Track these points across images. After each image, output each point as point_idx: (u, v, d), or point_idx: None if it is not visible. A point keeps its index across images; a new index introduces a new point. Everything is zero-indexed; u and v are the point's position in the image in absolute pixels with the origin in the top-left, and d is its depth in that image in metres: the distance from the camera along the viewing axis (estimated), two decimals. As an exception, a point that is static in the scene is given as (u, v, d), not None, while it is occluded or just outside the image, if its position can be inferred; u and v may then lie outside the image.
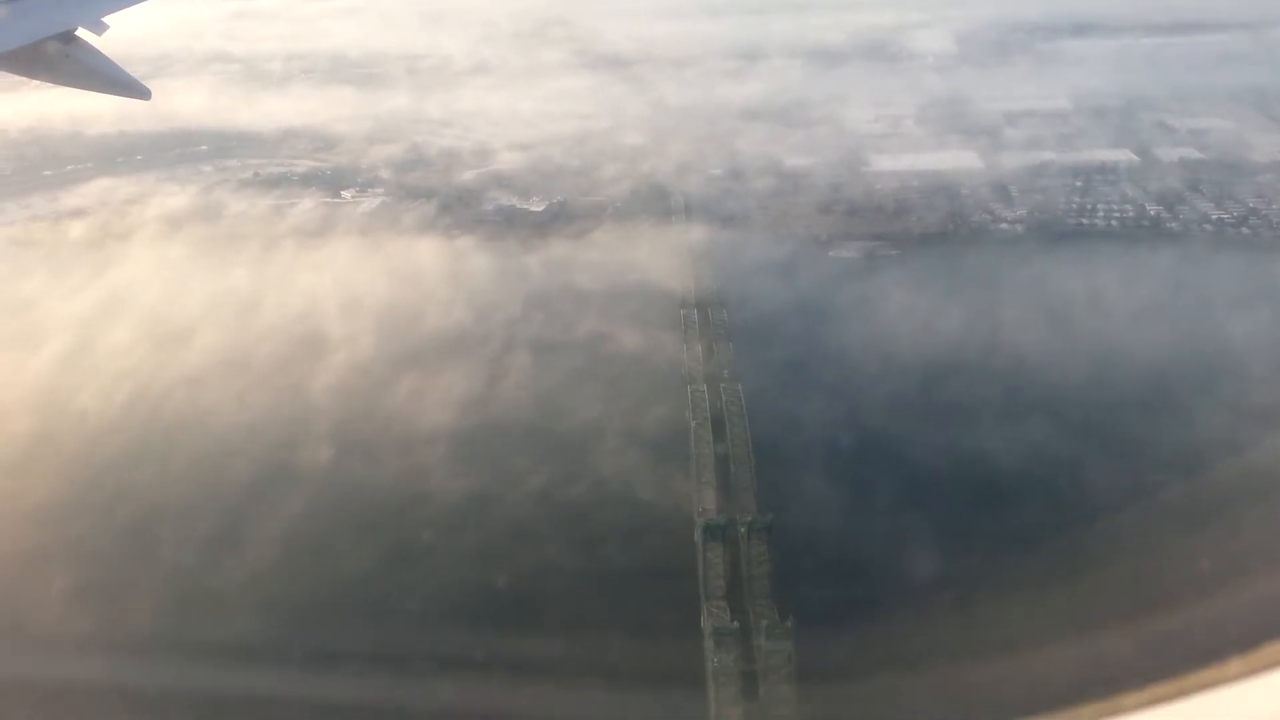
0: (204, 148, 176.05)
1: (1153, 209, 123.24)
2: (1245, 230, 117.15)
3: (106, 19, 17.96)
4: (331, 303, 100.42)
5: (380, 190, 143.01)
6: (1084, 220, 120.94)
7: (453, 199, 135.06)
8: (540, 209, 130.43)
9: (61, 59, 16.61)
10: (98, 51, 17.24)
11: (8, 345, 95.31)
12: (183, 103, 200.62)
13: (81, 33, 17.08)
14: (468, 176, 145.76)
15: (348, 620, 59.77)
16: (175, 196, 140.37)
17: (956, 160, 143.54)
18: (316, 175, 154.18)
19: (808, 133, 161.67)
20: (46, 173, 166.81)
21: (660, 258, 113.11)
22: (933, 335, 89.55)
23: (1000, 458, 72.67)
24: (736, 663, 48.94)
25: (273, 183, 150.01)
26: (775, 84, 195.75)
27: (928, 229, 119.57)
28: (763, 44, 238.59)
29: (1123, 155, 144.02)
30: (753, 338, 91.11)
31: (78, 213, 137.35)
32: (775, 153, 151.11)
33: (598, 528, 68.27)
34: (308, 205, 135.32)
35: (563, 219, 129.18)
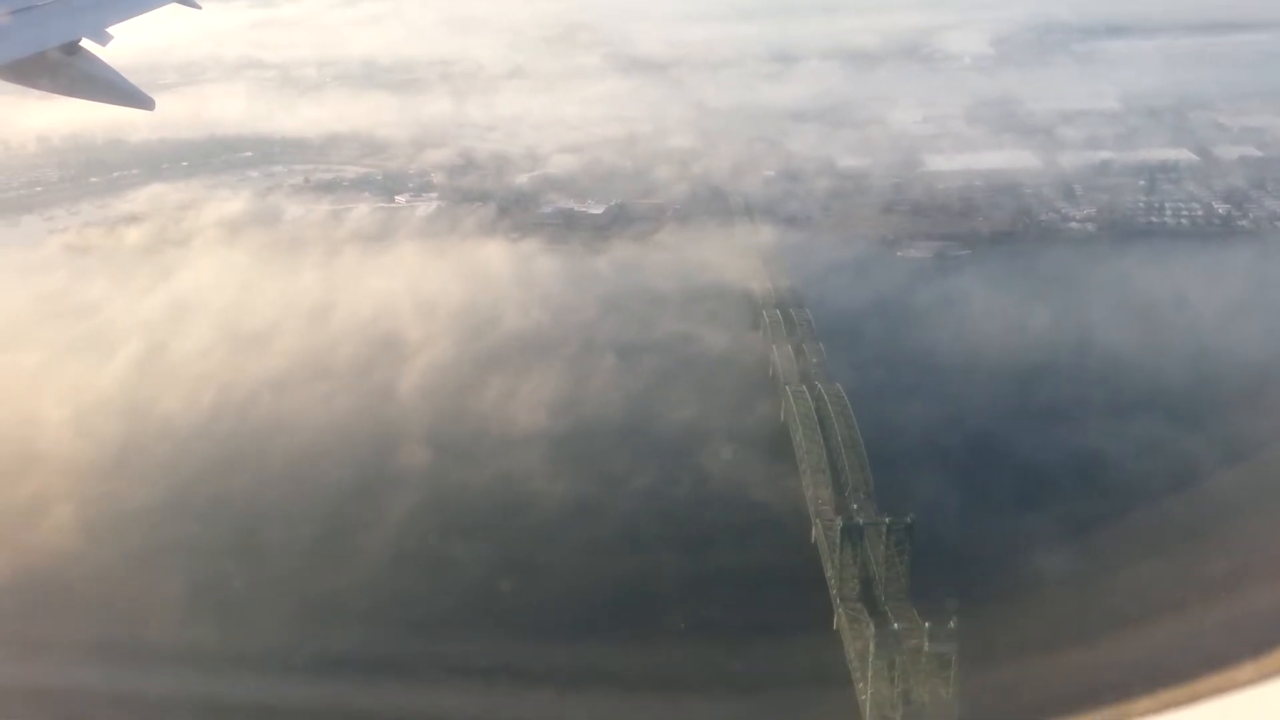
0: (249, 154, 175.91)
1: (1221, 207, 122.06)
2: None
3: (110, 30, 17.90)
4: (406, 306, 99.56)
5: (434, 195, 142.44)
6: (1154, 219, 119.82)
7: (510, 202, 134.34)
8: (599, 211, 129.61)
9: (65, 69, 16.36)
10: (101, 61, 17.10)
11: (84, 349, 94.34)
12: (221, 109, 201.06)
13: (86, 43, 16.90)
14: (521, 180, 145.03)
15: (473, 629, 58.22)
16: (229, 202, 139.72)
17: (1014, 160, 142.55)
18: (367, 180, 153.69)
19: (858, 134, 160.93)
20: (93, 179, 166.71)
21: (730, 259, 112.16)
22: (1024, 334, 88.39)
23: (1110, 455, 71.61)
24: (893, 665, 47.72)
25: (324, 188, 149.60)
26: (817, 86, 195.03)
27: (996, 228, 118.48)
28: (796, 47, 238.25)
29: (1181, 154, 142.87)
30: (838, 338, 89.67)
31: (132, 219, 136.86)
32: (828, 154, 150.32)
33: (707, 529, 67.16)
34: (364, 210, 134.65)
35: (623, 221, 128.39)
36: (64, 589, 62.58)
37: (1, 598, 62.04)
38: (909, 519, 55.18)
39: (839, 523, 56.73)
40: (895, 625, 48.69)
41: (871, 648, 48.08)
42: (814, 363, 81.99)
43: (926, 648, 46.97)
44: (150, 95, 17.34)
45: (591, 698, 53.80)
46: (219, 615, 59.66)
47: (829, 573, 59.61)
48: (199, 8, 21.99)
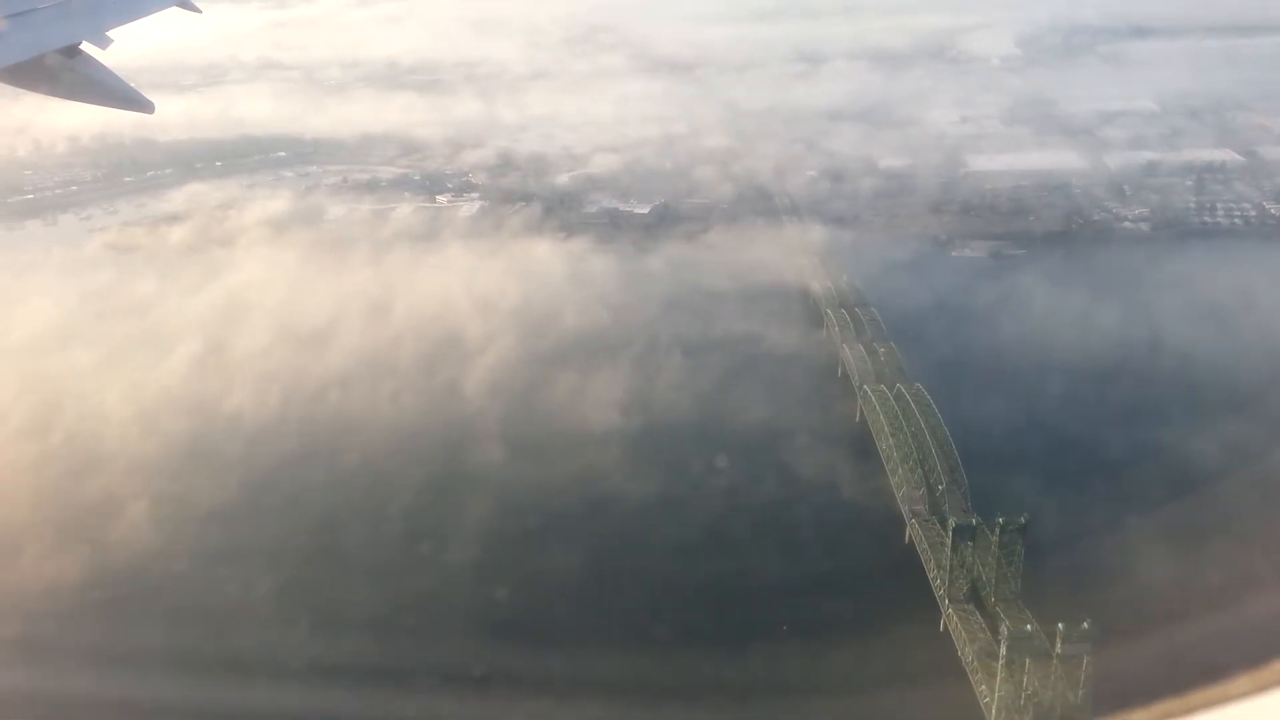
0: (282, 154, 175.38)
1: (1273, 207, 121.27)
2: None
3: (110, 33, 17.76)
4: (464, 304, 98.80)
5: (476, 194, 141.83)
6: (1206, 219, 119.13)
7: (554, 202, 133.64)
8: (645, 211, 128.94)
9: (65, 72, 16.14)
10: (101, 65, 16.92)
11: (142, 348, 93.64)
12: (248, 109, 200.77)
13: (86, 46, 16.77)
14: (562, 180, 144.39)
15: (573, 638, 56.84)
16: (271, 201, 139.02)
17: (1058, 160, 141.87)
18: (405, 181, 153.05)
19: (897, 134, 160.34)
20: (128, 179, 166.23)
21: (783, 258, 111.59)
22: (1094, 334, 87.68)
23: (1194, 454, 70.74)
24: (1025, 668, 46.86)
25: (363, 188, 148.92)
26: (848, 86, 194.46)
27: (1049, 228, 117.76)
28: (821, 48, 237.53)
29: (1226, 155, 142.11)
30: (904, 338, 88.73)
31: (174, 218, 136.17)
32: (868, 154, 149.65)
33: (797, 530, 66.22)
34: (407, 210, 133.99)
35: (669, 221, 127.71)
36: (151, 590, 61.84)
37: (89, 599, 61.24)
38: (1023, 519, 54.27)
39: (951, 522, 55.85)
40: (1029, 626, 47.71)
41: (1003, 649, 47.16)
42: (889, 362, 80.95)
43: (1059, 649, 46.09)
44: (150, 98, 17.32)
45: (704, 704, 52.89)
46: (306, 618, 58.61)
47: (931, 573, 58.76)
48: (199, 11, 21.91)
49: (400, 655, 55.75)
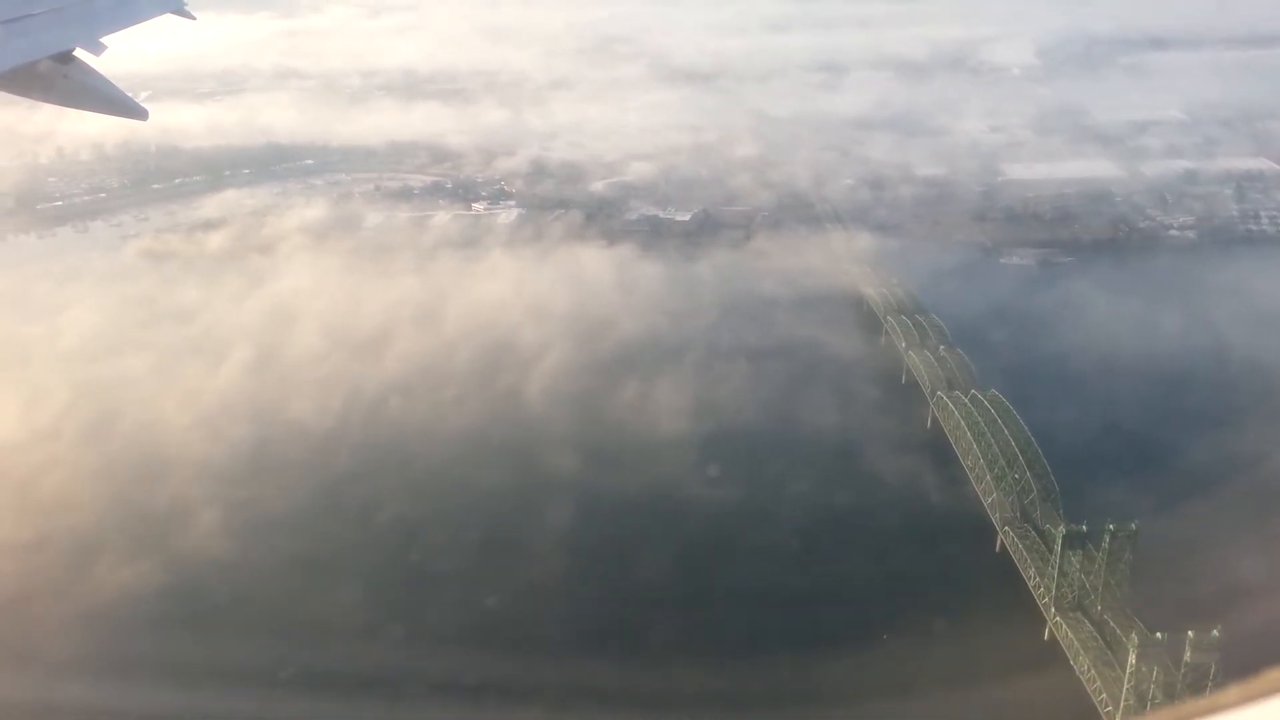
0: (309, 161, 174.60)
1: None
2: None
3: (105, 39, 17.49)
4: (518, 311, 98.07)
5: (512, 202, 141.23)
6: (1252, 226, 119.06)
7: (594, 209, 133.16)
8: (686, 218, 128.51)
9: (58, 79, 15.96)
10: (95, 71, 16.72)
11: (195, 355, 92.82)
12: (272, 117, 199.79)
13: (79, 53, 16.58)
14: (597, 187, 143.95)
15: (670, 647, 55.83)
16: (306, 208, 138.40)
17: (1095, 169, 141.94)
18: (438, 188, 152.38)
19: (928, 142, 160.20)
20: (155, 186, 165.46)
21: (833, 264, 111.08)
22: (1158, 340, 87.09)
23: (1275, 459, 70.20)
24: (1152, 676, 46.08)
25: (397, 196, 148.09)
26: (873, 95, 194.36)
27: (1096, 236, 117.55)
28: (838, 58, 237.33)
29: (1262, 164, 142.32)
30: (966, 344, 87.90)
31: (209, 225, 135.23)
32: (903, 162, 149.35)
33: (884, 537, 65.64)
34: (444, 217, 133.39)
35: (711, 228, 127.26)
36: (233, 600, 60.80)
37: (167, 607, 60.25)
38: (1134, 526, 53.52)
39: (1060, 530, 54.99)
40: (1159, 635, 46.88)
41: (1132, 657, 46.34)
42: (960, 369, 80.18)
43: (1188, 658, 45.32)
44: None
45: (806, 711, 52.02)
46: (399, 630, 57.66)
47: (1031, 581, 58.03)
48: (194, 19, 21.79)
49: (498, 668, 54.77)
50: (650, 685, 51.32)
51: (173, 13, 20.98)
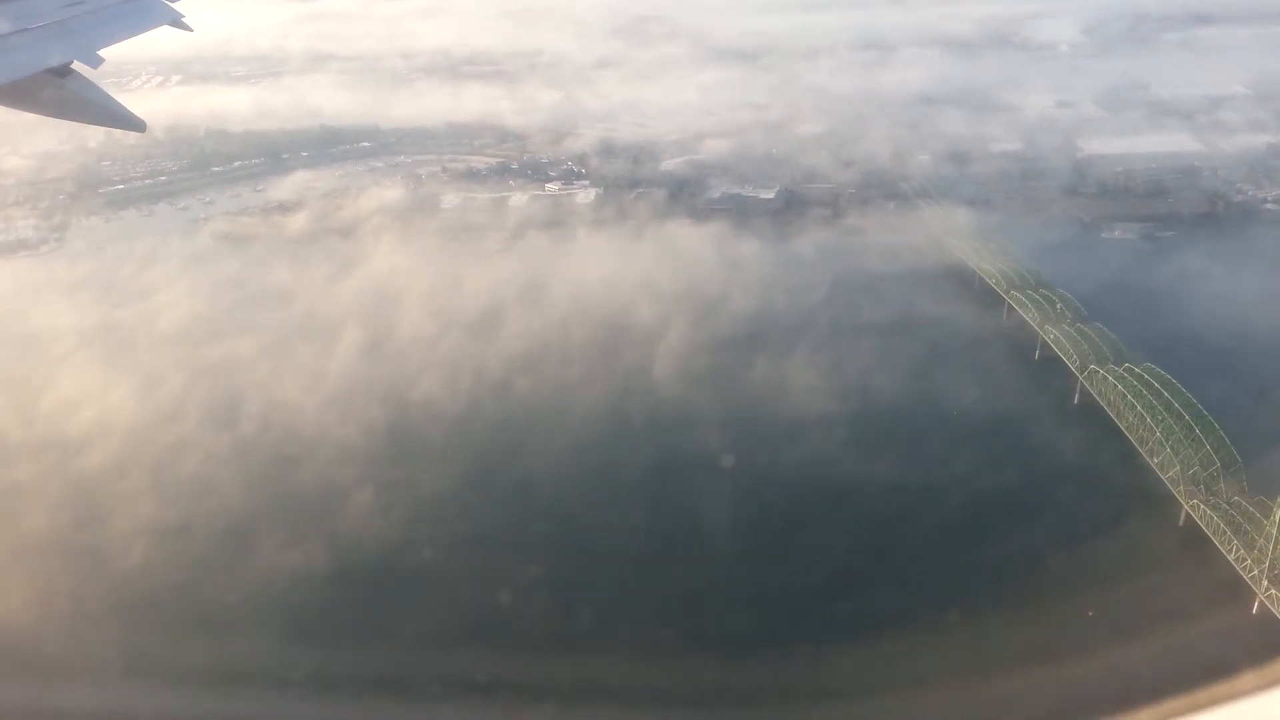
0: (366, 144, 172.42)
1: None
2: None
3: (102, 52, 17.70)
4: (625, 289, 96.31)
5: (586, 182, 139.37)
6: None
7: (673, 188, 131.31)
8: (770, 196, 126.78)
9: (56, 91, 16.14)
10: (93, 84, 16.84)
11: (307, 336, 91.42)
12: (318, 100, 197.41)
13: (77, 65, 16.79)
14: (671, 166, 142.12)
15: (890, 620, 55.12)
16: (381, 189, 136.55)
17: (1173, 143, 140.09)
18: (505, 169, 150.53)
19: (998, 117, 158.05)
20: (215, 169, 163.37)
21: (932, 240, 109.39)
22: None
23: None
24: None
25: (465, 177, 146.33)
26: (929, 72, 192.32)
27: (1194, 210, 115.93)
28: (883, 35, 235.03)
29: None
30: (1096, 319, 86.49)
31: (283, 207, 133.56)
32: (977, 137, 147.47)
33: (1064, 513, 64.04)
34: (522, 198, 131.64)
35: (797, 205, 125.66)
36: (415, 578, 59.68)
37: (352, 586, 59.16)
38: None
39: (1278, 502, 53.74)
40: None
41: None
42: (1106, 343, 78.49)
43: None
44: (141, 118, 17.08)
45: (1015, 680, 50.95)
46: (594, 605, 56.52)
47: (1232, 554, 56.83)
48: (191, 30, 22.01)
49: (697, 649, 53.84)
50: (884, 655, 50.66)
51: (169, 24, 21.25)
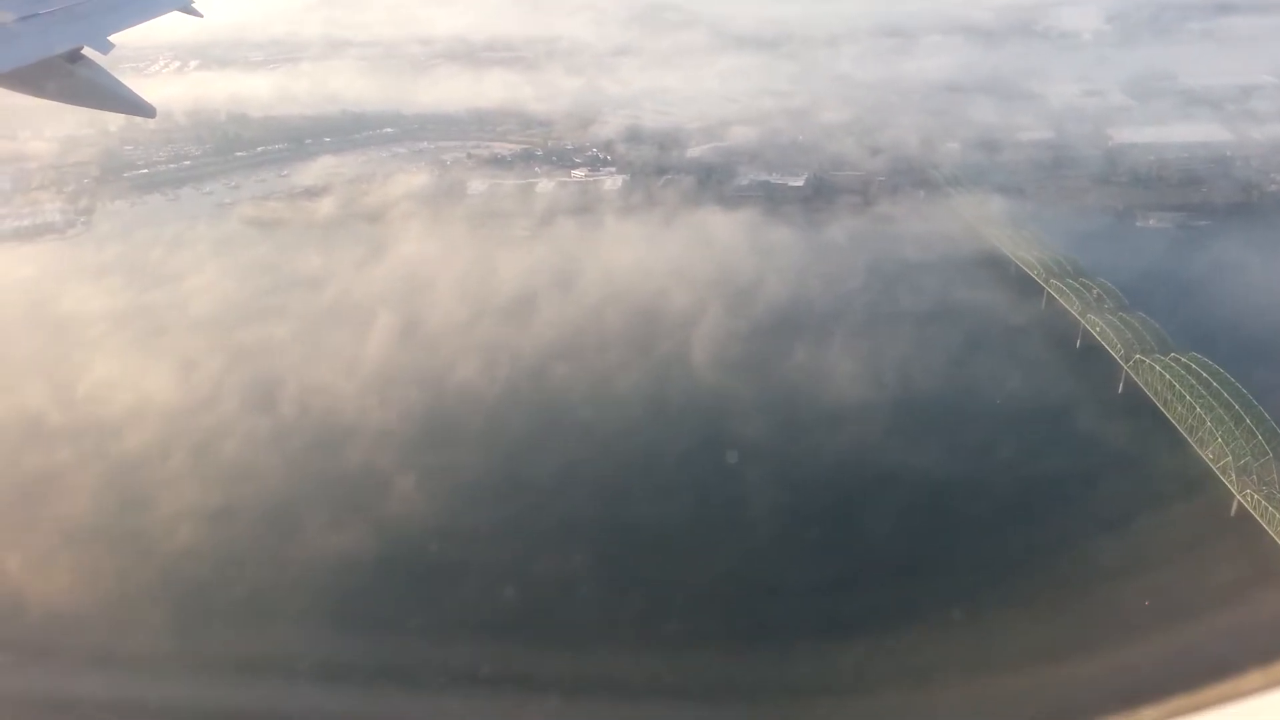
0: (389, 130, 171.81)
1: None
2: None
3: (114, 38, 17.99)
4: (659, 275, 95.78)
5: (613, 168, 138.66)
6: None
7: (701, 174, 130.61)
8: (799, 183, 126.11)
9: (67, 77, 16.35)
10: (103, 69, 17.12)
11: (337, 321, 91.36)
12: (338, 85, 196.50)
13: (88, 51, 16.94)
14: (697, 153, 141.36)
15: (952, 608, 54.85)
16: (407, 175, 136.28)
17: (1204, 133, 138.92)
18: (529, 155, 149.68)
19: (1024, 105, 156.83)
20: (239, 154, 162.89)
21: (966, 228, 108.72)
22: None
23: None
24: None
25: (490, 163, 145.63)
26: (952, 60, 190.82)
27: (1228, 199, 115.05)
28: (903, 23, 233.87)
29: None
30: (1138, 308, 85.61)
31: (310, 192, 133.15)
32: (1005, 125, 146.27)
33: (1111, 505, 63.51)
34: (549, 184, 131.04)
35: (826, 193, 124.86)
36: (461, 561, 59.46)
37: (398, 571, 58.99)
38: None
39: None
40: None
41: None
42: (1151, 332, 77.89)
43: None
44: (151, 104, 17.37)
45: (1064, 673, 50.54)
46: (647, 590, 56.35)
47: (1289, 544, 56.42)
48: (200, 15, 22.41)
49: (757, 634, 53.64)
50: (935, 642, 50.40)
51: (179, 10, 21.25)
